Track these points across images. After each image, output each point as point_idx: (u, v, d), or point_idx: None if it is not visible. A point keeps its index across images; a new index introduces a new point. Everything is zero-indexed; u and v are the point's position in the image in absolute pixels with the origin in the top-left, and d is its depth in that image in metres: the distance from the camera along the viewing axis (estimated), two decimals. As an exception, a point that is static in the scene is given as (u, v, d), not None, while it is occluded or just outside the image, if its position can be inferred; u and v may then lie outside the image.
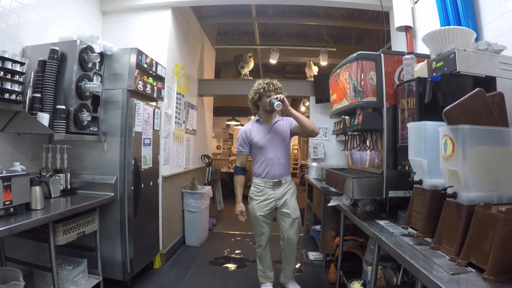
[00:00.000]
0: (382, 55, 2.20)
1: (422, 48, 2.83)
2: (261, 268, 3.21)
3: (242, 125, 12.30)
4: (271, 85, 2.97)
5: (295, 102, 10.46)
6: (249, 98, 3.12)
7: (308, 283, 3.57)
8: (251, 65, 6.17)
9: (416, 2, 3.16)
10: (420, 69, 1.96)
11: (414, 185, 1.69)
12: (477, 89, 1.39)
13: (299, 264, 4.03)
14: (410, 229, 1.72)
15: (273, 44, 6.71)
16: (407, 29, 3.21)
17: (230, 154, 13.04)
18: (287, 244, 3.11)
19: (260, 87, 3.00)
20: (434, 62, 1.83)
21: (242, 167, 3.16)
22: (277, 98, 2.81)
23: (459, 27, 1.91)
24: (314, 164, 5.21)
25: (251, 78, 6.13)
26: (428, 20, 2.95)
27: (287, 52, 7.17)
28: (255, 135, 3.07)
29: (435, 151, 1.51)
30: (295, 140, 15.52)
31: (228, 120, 12.19)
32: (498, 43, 1.76)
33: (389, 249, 1.61)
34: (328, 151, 5.61)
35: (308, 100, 6.09)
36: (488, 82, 1.66)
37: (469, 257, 1.29)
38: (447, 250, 1.41)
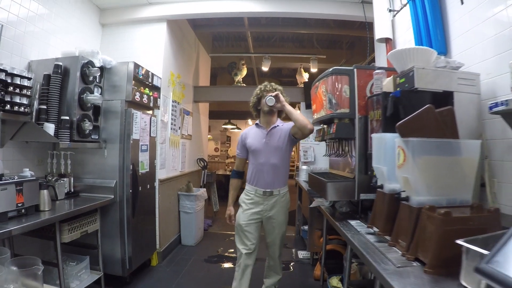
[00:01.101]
0: (355, 70, 2.40)
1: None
2: (235, 286, 2.78)
3: (238, 128, 12.51)
4: (268, 86, 2.88)
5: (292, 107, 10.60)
6: (250, 104, 2.99)
7: (296, 279, 3.78)
8: (244, 72, 6.38)
9: (394, 16, 3.33)
10: (387, 84, 2.16)
11: (377, 189, 1.89)
12: (426, 106, 1.58)
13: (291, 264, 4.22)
14: (374, 228, 1.91)
15: (266, 51, 6.90)
16: (387, 41, 3.38)
17: (227, 156, 13.19)
18: (270, 262, 2.93)
19: (258, 90, 2.92)
20: (398, 78, 2.03)
21: (238, 170, 3.03)
22: (271, 94, 2.71)
23: (420, 47, 2.10)
24: (304, 167, 5.40)
25: (244, 84, 6.34)
26: (405, 33, 3.13)
27: (279, 58, 7.34)
28: (250, 138, 2.92)
29: (393, 160, 1.70)
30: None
31: (224, 124, 12.36)
32: (456, 61, 1.97)
33: (352, 245, 1.81)
34: (318, 154, 5.81)
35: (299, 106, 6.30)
36: (446, 97, 1.85)
37: (416, 253, 1.48)
38: (401, 246, 1.60)
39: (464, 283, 1.19)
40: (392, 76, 2.13)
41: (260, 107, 2.91)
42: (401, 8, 3.09)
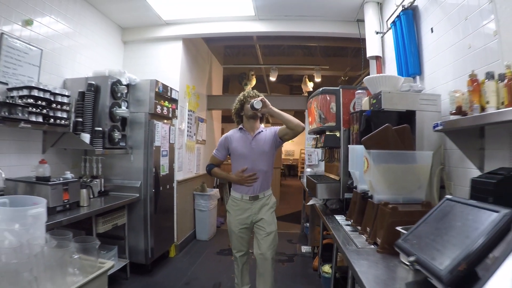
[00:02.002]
0: (341, 90, 2.83)
1: (390, 73, 3.37)
2: (237, 282, 3.01)
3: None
4: (252, 92, 2.94)
5: (299, 115, 10.98)
6: (233, 110, 3.03)
7: (297, 270, 4.21)
8: (253, 82, 6.85)
9: (382, 36, 3.73)
10: (365, 103, 2.57)
11: (353, 189, 2.31)
12: (385, 125, 2.00)
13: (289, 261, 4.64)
14: (351, 221, 2.34)
15: (276, 60, 7.27)
16: (377, 58, 3.79)
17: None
18: (260, 260, 2.82)
19: (242, 96, 2.95)
20: (371, 99, 2.44)
21: (214, 164, 3.04)
22: (256, 98, 2.76)
23: (387, 75, 2.51)
24: (308, 169, 5.81)
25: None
26: (391, 51, 3.49)
27: (286, 67, 7.74)
28: (235, 142, 2.94)
29: (362, 166, 2.13)
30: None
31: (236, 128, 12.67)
32: (418, 85, 2.38)
33: (331, 234, 2.24)
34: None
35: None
36: (409, 115, 2.26)
37: (375, 238, 1.90)
38: (367, 233, 2.02)
39: (402, 259, 1.61)
40: (368, 97, 2.55)
41: (243, 113, 2.94)
42: (387, 31, 3.49)
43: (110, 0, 4.05)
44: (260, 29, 4.53)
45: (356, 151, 2.22)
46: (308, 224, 5.06)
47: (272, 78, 7.01)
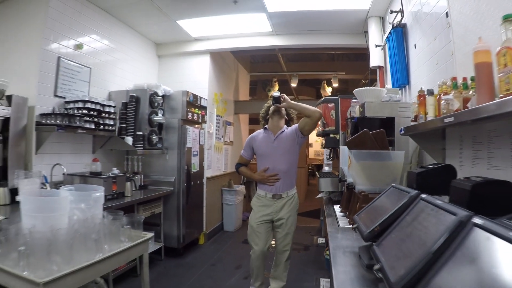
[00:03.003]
0: (339, 99, 3.28)
1: (391, 81, 3.76)
2: (252, 275, 3.16)
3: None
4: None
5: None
6: (261, 114, 3.30)
7: (311, 257, 4.68)
8: (276, 88, 7.35)
9: (382, 49, 4.10)
10: (357, 111, 3.01)
11: (344, 182, 2.77)
12: (363, 130, 2.45)
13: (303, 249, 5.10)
14: (342, 208, 2.79)
15: (299, 65, 7.73)
16: (379, 68, 4.18)
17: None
18: (277, 254, 3.10)
19: (267, 104, 3.28)
20: (360, 107, 2.89)
21: (241, 163, 3.28)
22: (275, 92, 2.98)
23: (371, 88, 2.92)
24: (326, 168, 6.23)
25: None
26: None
27: (309, 70, 8.13)
28: (258, 141, 3.12)
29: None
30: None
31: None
32: (397, 95, 2.79)
33: (325, 218, 2.70)
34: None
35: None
36: (389, 120, 2.68)
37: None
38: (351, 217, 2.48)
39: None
40: (358, 106, 3.00)
41: (268, 116, 3.17)
42: (384, 45, 3.89)
43: (146, 22, 4.69)
44: (276, 43, 5.04)
45: (345, 151, 2.67)
46: (322, 218, 5.50)
47: (293, 84, 7.46)
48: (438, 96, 1.77)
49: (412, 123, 2.15)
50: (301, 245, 5.17)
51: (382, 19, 4.19)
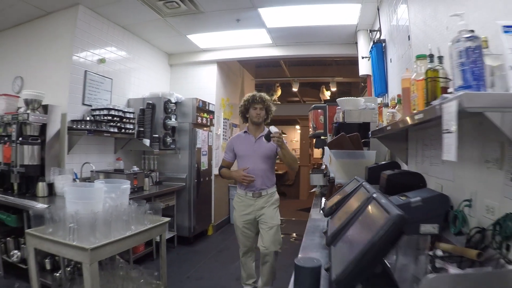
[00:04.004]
0: (327, 106, 3.76)
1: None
2: (242, 274, 3.33)
3: (283, 133, 13.83)
4: (257, 98, 3.12)
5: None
6: (239, 111, 3.32)
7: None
8: (279, 92, 7.85)
9: (369, 60, 4.53)
10: (341, 116, 3.49)
11: (328, 177, 3.25)
12: (341, 133, 2.93)
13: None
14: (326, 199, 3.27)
15: (297, 72, 8.07)
16: (367, 76, 4.63)
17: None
18: (263, 252, 3.07)
19: (245, 99, 3.19)
20: (342, 114, 3.36)
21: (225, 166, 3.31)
22: (277, 134, 2.86)
23: (351, 98, 3.37)
24: (324, 166, 6.71)
25: (279, 102, 7.80)
26: (377, 71, 4.36)
27: (309, 75, 8.60)
28: (238, 144, 3.19)
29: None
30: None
31: None
32: (372, 104, 3.26)
33: (312, 207, 3.19)
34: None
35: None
36: (365, 125, 3.14)
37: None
38: (331, 205, 2.96)
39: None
40: (341, 112, 3.47)
41: (248, 115, 3.20)
42: (369, 57, 4.35)
43: (159, 36, 5.23)
44: (276, 53, 5.54)
45: (327, 150, 3.16)
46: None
47: (294, 89, 7.92)
48: (390, 108, 2.25)
49: (376, 129, 2.62)
50: (298, 235, 5.65)
51: (370, 32, 4.65)
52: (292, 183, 11.01)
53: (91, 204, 2.45)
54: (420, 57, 1.56)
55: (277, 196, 3.24)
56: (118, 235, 2.34)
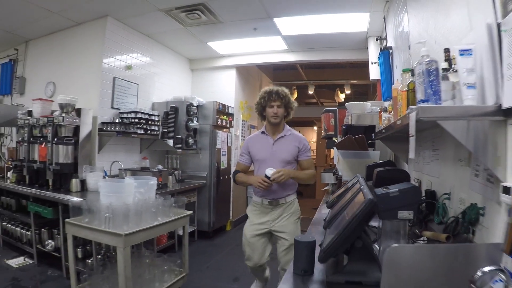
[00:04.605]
0: (337, 109, 4.00)
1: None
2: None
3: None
4: (273, 95, 2.70)
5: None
6: (255, 108, 2.91)
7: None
8: (295, 95, 8.06)
9: (378, 65, 4.70)
10: (350, 118, 3.72)
11: (337, 175, 3.49)
12: (347, 135, 3.17)
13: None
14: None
15: (313, 74, 8.28)
16: (377, 80, 4.82)
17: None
18: (280, 270, 2.73)
19: (262, 95, 2.77)
20: (350, 117, 3.59)
21: (240, 170, 2.89)
22: (272, 174, 2.52)
23: (358, 102, 3.58)
24: (339, 166, 6.93)
25: (297, 104, 8.04)
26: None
27: (324, 77, 8.77)
28: (255, 146, 2.79)
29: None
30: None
31: None
32: (377, 108, 3.47)
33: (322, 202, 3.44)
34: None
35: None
36: (371, 127, 3.36)
37: (340, 203, 3.08)
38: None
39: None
40: (350, 115, 3.71)
41: (265, 113, 2.78)
42: (378, 63, 4.54)
43: (181, 43, 5.56)
44: (292, 58, 5.80)
45: (336, 151, 3.40)
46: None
47: (310, 91, 8.15)
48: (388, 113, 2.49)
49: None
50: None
51: (380, 38, 4.85)
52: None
53: (122, 197, 2.77)
54: (405, 70, 1.79)
55: (297, 205, 2.82)
56: (147, 224, 2.67)
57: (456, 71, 1.25)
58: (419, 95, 1.23)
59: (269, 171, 2.53)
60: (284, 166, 2.66)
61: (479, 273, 0.87)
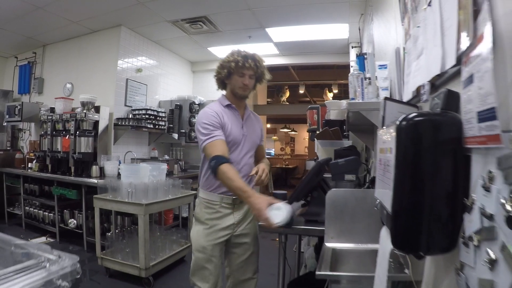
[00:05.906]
0: (319, 107, 4.63)
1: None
2: None
3: (295, 131, 14.41)
4: (248, 61, 2.00)
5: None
6: (215, 72, 2.19)
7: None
8: (287, 94, 8.71)
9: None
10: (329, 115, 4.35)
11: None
12: (324, 128, 3.79)
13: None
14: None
15: (304, 74, 8.92)
16: (359, 82, 5.46)
17: (291, 155, 14.84)
18: (249, 284, 2.07)
19: (231, 59, 2.02)
20: (329, 112, 4.22)
21: (223, 155, 1.78)
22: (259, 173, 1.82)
23: (335, 100, 4.23)
24: (327, 158, 7.55)
25: (287, 103, 8.68)
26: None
27: (315, 77, 9.38)
28: (228, 123, 1.96)
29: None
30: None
31: (281, 128, 14.20)
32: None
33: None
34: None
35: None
36: (345, 120, 4.00)
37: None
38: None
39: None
40: (329, 111, 4.34)
41: (228, 82, 2.11)
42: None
43: (184, 48, 6.17)
44: (282, 61, 6.43)
45: (318, 142, 4.04)
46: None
47: (301, 91, 8.77)
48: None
49: (349, 123, 3.48)
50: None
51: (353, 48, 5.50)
52: (301, 176, 11.83)
53: (139, 178, 3.39)
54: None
55: None
56: (161, 198, 3.30)
57: (376, 78, 1.88)
58: (351, 94, 1.87)
59: (278, 214, 1.58)
60: (251, 151, 2.07)
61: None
